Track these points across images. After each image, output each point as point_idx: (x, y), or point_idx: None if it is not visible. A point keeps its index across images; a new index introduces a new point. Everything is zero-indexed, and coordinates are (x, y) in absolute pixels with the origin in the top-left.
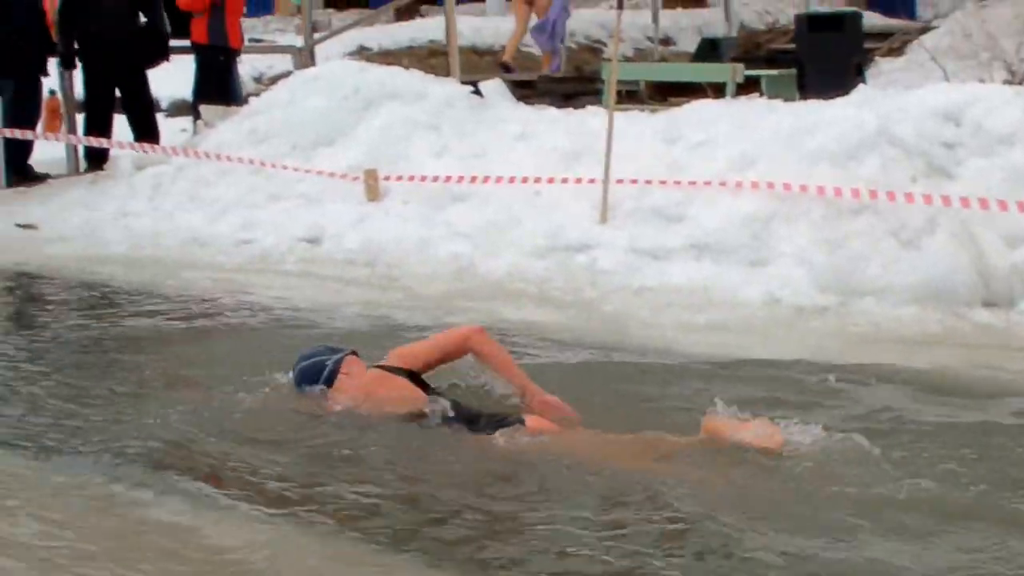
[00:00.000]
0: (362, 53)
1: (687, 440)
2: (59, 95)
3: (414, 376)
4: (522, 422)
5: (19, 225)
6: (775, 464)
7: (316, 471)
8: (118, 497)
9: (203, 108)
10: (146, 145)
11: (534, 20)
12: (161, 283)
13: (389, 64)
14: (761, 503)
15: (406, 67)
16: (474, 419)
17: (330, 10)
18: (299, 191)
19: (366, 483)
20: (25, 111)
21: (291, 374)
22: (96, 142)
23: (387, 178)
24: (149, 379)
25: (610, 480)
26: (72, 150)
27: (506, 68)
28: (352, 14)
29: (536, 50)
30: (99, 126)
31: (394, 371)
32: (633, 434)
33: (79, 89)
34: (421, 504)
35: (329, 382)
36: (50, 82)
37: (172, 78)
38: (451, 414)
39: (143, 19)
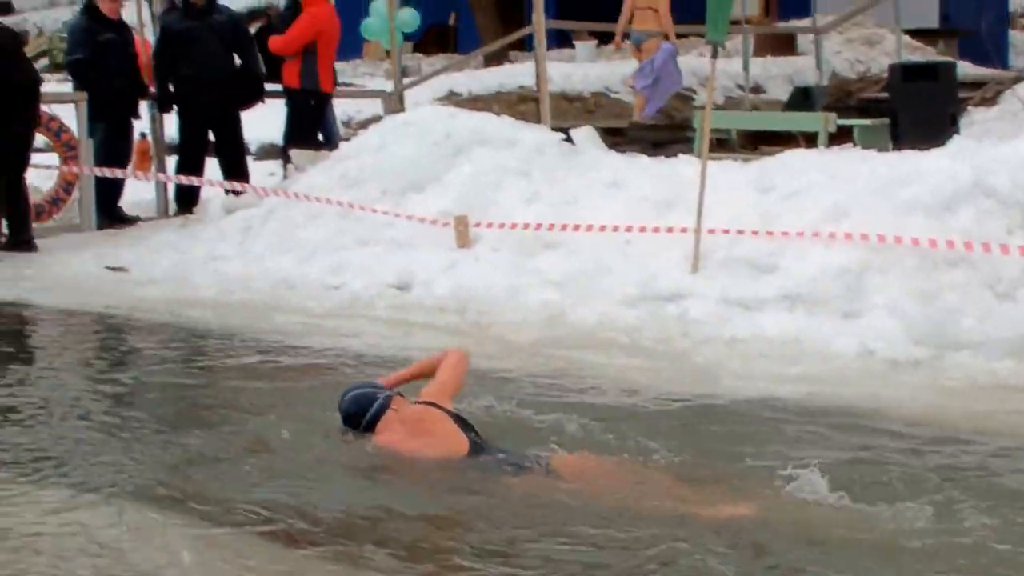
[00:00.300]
0: (451, 98)
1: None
2: (149, 138)
3: (456, 417)
4: (548, 464)
5: (109, 268)
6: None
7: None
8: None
9: (293, 152)
10: (237, 184)
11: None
12: (251, 327)
13: (478, 109)
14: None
15: (496, 113)
16: (503, 459)
17: (419, 55)
18: (389, 236)
19: (392, 519)
20: (116, 154)
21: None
22: (187, 181)
23: (477, 224)
24: (234, 421)
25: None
26: (162, 193)
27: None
28: (441, 59)
29: (627, 97)
30: (191, 168)
31: (436, 407)
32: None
33: (169, 132)
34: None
35: (377, 420)
36: (141, 125)
37: (261, 122)
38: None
39: (238, 62)
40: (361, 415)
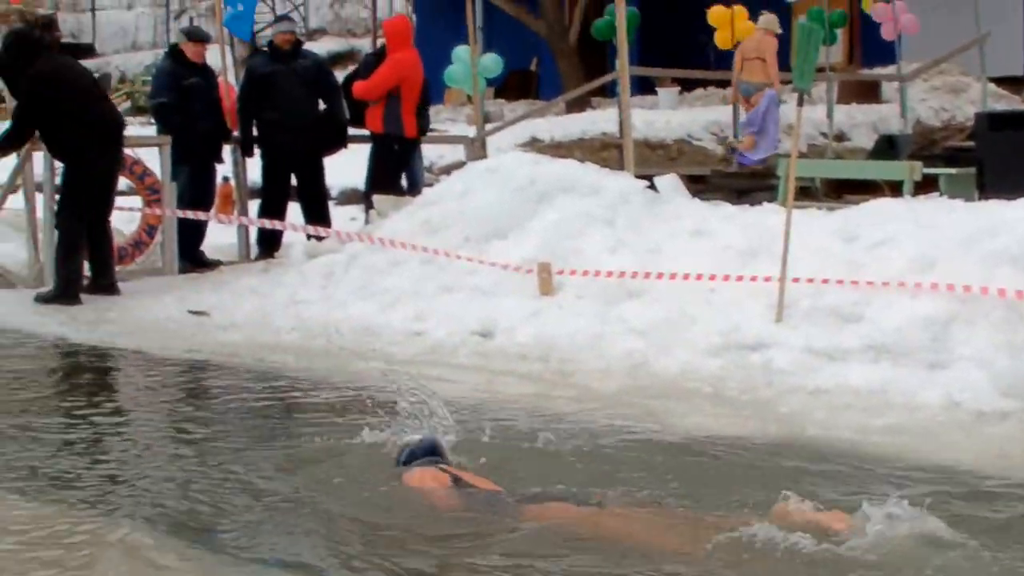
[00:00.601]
0: (533, 144)
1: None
2: (232, 182)
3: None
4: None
5: (191, 311)
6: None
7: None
8: None
9: (376, 198)
10: (320, 229)
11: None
12: (333, 372)
13: (560, 156)
14: None
15: (578, 159)
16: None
17: (500, 100)
18: (472, 283)
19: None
20: (199, 197)
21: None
22: (270, 225)
23: (560, 272)
24: (308, 466)
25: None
26: (244, 237)
27: (731, 149)
28: (522, 105)
29: (710, 144)
30: (274, 213)
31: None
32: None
33: (251, 176)
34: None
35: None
36: (223, 168)
37: (343, 166)
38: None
39: (322, 106)
40: (408, 461)
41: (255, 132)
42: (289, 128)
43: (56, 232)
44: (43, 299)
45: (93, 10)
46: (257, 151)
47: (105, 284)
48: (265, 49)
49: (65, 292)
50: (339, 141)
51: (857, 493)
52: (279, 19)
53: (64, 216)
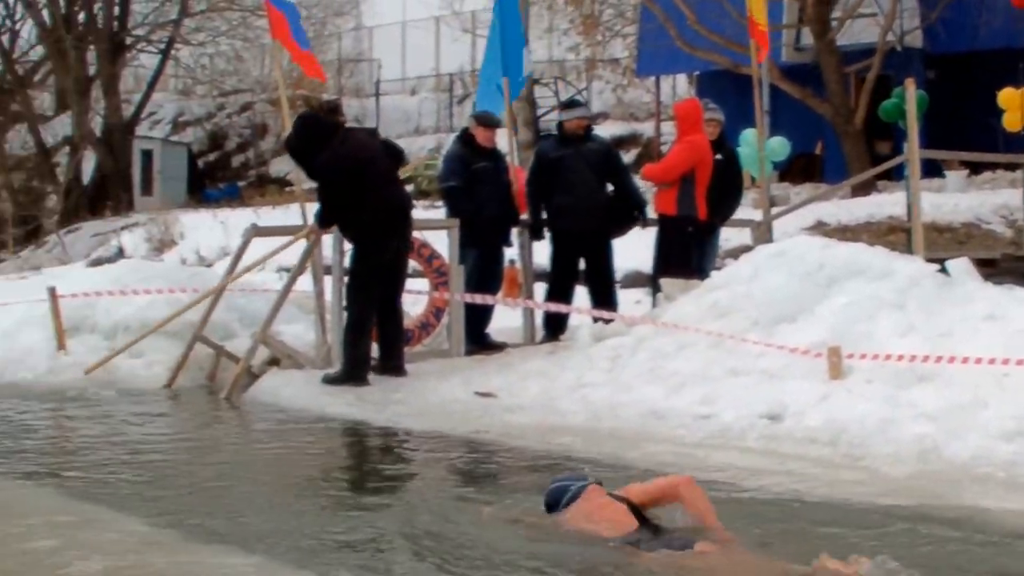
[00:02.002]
0: (819, 228)
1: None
2: (518, 264)
3: (633, 507)
4: (691, 546)
5: (478, 393)
6: None
7: None
8: None
9: (664, 281)
10: (606, 312)
11: None
12: (621, 456)
13: (847, 239)
14: None
15: (865, 243)
16: (660, 539)
17: (785, 183)
18: (760, 367)
19: None
20: (486, 280)
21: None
22: (556, 308)
23: (850, 356)
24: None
25: None
26: (529, 320)
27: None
28: (807, 188)
29: (999, 227)
30: (561, 295)
31: (618, 499)
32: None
33: (537, 259)
34: None
35: (567, 505)
36: (510, 252)
37: (627, 250)
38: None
39: (609, 188)
40: (555, 504)
41: (544, 215)
42: (578, 211)
43: (345, 313)
44: (331, 380)
45: (377, 95)
46: (546, 234)
47: (392, 366)
48: (554, 133)
49: (353, 373)
50: (633, 220)
51: None
52: (571, 104)
53: (354, 298)
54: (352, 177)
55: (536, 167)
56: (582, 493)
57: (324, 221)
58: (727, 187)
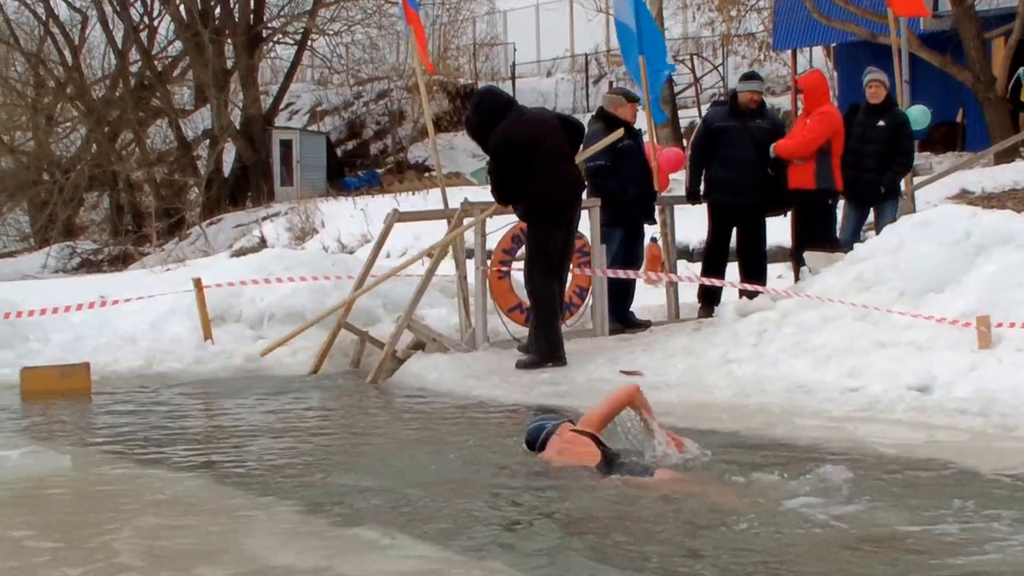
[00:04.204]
0: (963, 196)
1: None
2: (659, 243)
3: (596, 438)
4: (651, 472)
5: (624, 372)
6: None
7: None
8: None
9: (807, 254)
10: (748, 285)
11: None
12: (768, 431)
13: (991, 207)
14: None
15: (1013, 210)
16: (622, 467)
17: (926, 153)
18: (907, 338)
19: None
20: (630, 259)
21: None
22: (702, 282)
23: (999, 325)
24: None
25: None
26: (673, 298)
27: None
28: (949, 157)
29: None
30: (716, 270)
31: (584, 434)
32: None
33: (680, 236)
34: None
35: (545, 441)
36: (651, 230)
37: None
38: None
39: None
40: (534, 442)
41: (701, 187)
42: (733, 187)
43: (531, 297)
44: (526, 365)
45: (513, 78)
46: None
47: None
48: (723, 101)
49: (549, 355)
50: (789, 202)
51: None
52: (748, 77)
53: (535, 280)
54: (524, 153)
55: (702, 133)
56: (556, 430)
57: (500, 198)
58: (891, 153)
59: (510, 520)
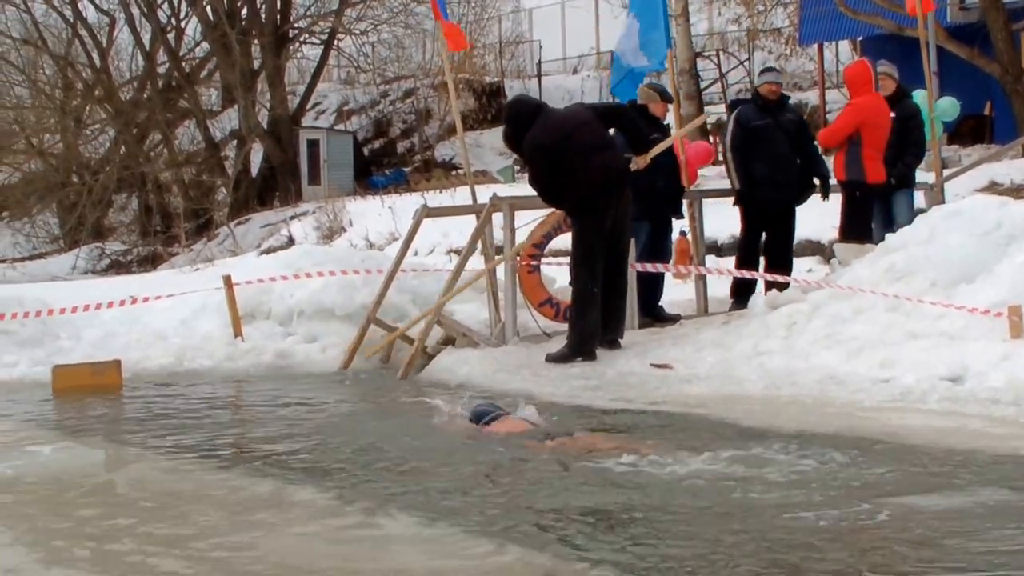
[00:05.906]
0: (992, 188)
1: None
2: (688, 236)
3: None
4: (571, 435)
5: (654, 365)
6: None
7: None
8: None
9: (837, 246)
10: (780, 277)
11: None
12: (800, 422)
13: (1021, 199)
14: None
15: None
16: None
17: (954, 145)
18: (940, 328)
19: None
20: (658, 253)
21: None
22: (732, 274)
23: None
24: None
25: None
26: (702, 291)
27: None
28: (977, 149)
29: None
30: (750, 264)
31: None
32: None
33: (708, 231)
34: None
35: (490, 423)
36: (679, 223)
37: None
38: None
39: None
40: (480, 418)
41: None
42: (777, 184)
43: (572, 288)
44: (555, 358)
45: (539, 76)
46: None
47: (609, 339)
48: (748, 100)
49: (580, 348)
50: (812, 188)
51: None
52: (766, 70)
53: (577, 272)
54: (554, 154)
55: (740, 134)
56: (500, 417)
57: (548, 201)
58: (902, 144)
59: (538, 511)
